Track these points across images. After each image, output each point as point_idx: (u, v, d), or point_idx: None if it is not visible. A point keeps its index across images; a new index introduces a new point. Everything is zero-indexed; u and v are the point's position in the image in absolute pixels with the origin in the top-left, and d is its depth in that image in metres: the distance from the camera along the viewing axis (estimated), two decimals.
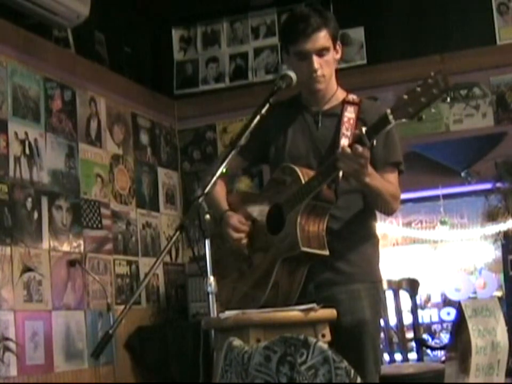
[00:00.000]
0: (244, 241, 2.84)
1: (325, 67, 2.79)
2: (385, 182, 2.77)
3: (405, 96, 2.52)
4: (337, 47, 2.85)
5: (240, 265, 2.87)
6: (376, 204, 2.80)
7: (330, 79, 2.85)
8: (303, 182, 2.71)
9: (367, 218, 2.88)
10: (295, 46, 2.80)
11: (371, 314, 2.77)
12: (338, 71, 2.92)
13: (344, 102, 2.86)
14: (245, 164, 2.99)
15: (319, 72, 2.78)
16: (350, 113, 2.83)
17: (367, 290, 2.79)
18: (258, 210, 2.87)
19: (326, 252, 2.72)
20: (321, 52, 2.77)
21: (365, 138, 2.55)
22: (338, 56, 2.86)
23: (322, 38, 2.76)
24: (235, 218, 2.85)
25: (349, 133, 2.77)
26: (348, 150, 2.54)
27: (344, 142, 2.74)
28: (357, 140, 2.57)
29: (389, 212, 2.84)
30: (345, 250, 2.79)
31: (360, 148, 2.53)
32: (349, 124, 2.80)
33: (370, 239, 2.90)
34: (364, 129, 2.57)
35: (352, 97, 2.89)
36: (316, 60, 2.77)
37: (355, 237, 2.83)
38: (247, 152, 2.85)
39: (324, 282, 2.78)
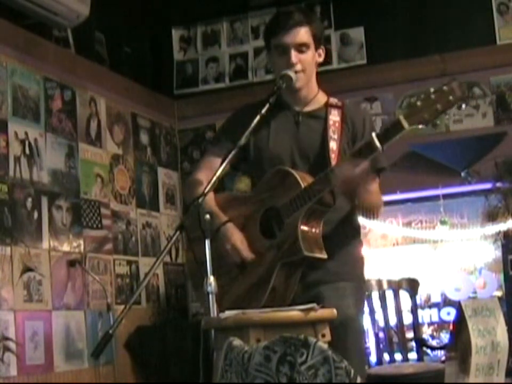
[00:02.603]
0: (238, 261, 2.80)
1: (304, 63, 2.78)
2: (374, 195, 2.78)
3: (418, 103, 2.51)
4: (320, 50, 2.85)
5: (230, 269, 2.83)
6: (362, 214, 2.84)
7: (309, 78, 2.84)
8: (302, 186, 2.69)
9: (354, 219, 2.90)
10: (275, 40, 2.80)
11: (356, 312, 2.78)
12: (319, 74, 2.92)
13: (328, 105, 2.86)
14: (227, 168, 2.84)
15: (297, 67, 2.77)
16: (334, 117, 2.83)
17: (352, 289, 2.80)
18: (250, 214, 2.84)
19: (325, 255, 2.73)
20: (300, 48, 2.77)
21: (377, 145, 2.54)
22: (320, 59, 2.86)
23: (303, 33, 2.76)
24: (240, 240, 2.79)
25: (336, 136, 2.78)
26: (344, 172, 2.56)
27: (332, 145, 2.75)
28: (368, 145, 2.56)
29: (371, 219, 2.88)
30: (334, 250, 2.79)
31: (356, 171, 2.55)
32: (335, 127, 2.80)
33: (357, 239, 2.92)
34: (374, 134, 2.56)
35: (335, 100, 2.89)
36: (294, 54, 2.76)
37: (343, 237, 2.84)
38: (225, 154, 2.73)
39: (312, 282, 2.78)
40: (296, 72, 2.77)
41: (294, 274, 2.75)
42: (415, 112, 2.51)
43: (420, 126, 2.52)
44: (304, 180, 2.71)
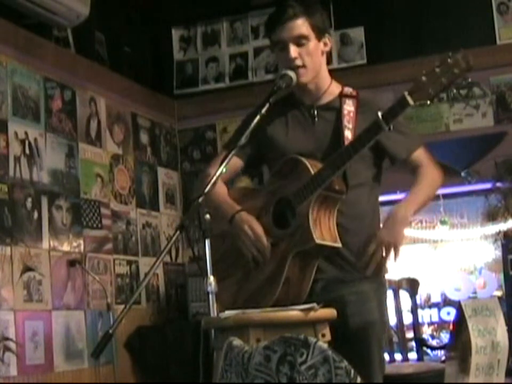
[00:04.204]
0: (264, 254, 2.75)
1: (305, 56, 2.73)
2: (422, 188, 2.81)
3: (423, 78, 2.48)
4: (326, 40, 2.79)
5: (244, 264, 2.79)
6: None
7: (316, 71, 2.79)
8: (312, 172, 2.65)
9: (373, 214, 2.85)
10: (274, 36, 2.76)
11: (379, 315, 2.76)
12: (332, 70, 2.90)
13: (342, 96, 2.82)
14: (241, 165, 2.90)
15: (297, 62, 2.72)
16: (349, 106, 2.78)
17: (375, 291, 2.77)
18: (262, 206, 2.81)
19: (339, 244, 2.67)
20: (298, 41, 2.72)
21: (382, 123, 2.51)
22: (326, 48, 2.81)
23: (300, 26, 2.71)
24: (257, 225, 2.75)
25: (350, 126, 2.73)
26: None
27: (347, 134, 2.71)
28: (374, 124, 2.53)
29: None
30: (352, 245, 2.74)
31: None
32: (349, 117, 2.76)
33: (375, 233, 2.81)
34: (380, 113, 2.53)
35: (349, 90, 2.85)
36: (292, 49, 2.71)
37: (361, 231, 2.78)
38: (242, 153, 2.79)
39: (331, 280, 2.74)
40: (297, 67, 2.73)
41: (308, 265, 2.69)
42: (419, 87, 2.49)
43: (428, 102, 2.51)
44: (314, 166, 2.67)
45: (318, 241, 2.62)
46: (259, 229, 2.74)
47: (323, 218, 2.67)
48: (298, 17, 2.72)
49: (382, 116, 2.53)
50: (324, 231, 2.66)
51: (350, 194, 2.74)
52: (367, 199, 2.81)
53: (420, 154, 2.87)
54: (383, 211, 2.94)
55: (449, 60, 2.46)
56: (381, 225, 2.86)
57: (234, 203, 2.84)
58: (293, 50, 2.72)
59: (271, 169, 2.89)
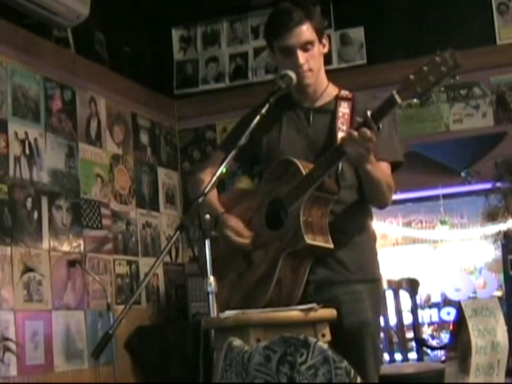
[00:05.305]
0: (247, 242, 2.79)
1: (311, 61, 2.75)
2: (384, 172, 2.72)
3: (411, 76, 2.50)
4: (324, 40, 2.81)
5: (238, 265, 2.81)
6: (373, 193, 2.74)
7: (318, 74, 2.81)
8: (304, 173, 2.66)
9: (362, 214, 2.84)
10: (278, 42, 2.76)
11: (372, 315, 2.76)
12: (332, 70, 2.90)
13: (337, 98, 2.83)
14: (234, 164, 2.89)
15: (305, 67, 2.74)
16: (344, 109, 2.79)
17: (368, 291, 2.77)
18: (256, 207, 2.83)
19: (331, 245, 2.67)
20: (305, 46, 2.73)
21: (371, 122, 2.51)
22: (325, 50, 2.83)
23: (306, 31, 2.72)
24: (234, 221, 2.82)
25: (344, 127, 2.73)
26: (355, 133, 2.50)
27: (340, 136, 2.70)
28: (363, 123, 2.53)
29: (383, 203, 2.77)
30: (343, 245, 2.74)
31: (368, 132, 2.49)
32: (343, 119, 2.76)
33: (368, 234, 2.86)
34: (369, 112, 2.53)
35: (345, 93, 2.86)
36: (300, 55, 2.73)
37: (352, 231, 2.78)
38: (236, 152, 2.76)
39: (324, 281, 2.74)
40: (304, 71, 2.75)
41: (301, 266, 2.69)
42: (407, 86, 2.50)
43: (415, 100, 2.52)
44: (306, 167, 2.68)
45: (308, 241, 2.62)
46: (238, 224, 2.79)
47: (315, 219, 2.67)
48: (304, 23, 2.73)
49: (371, 114, 2.53)
50: (316, 231, 2.66)
51: (342, 194, 2.74)
52: (354, 200, 2.80)
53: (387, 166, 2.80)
54: (376, 213, 2.95)
55: (436, 58, 2.48)
56: (374, 226, 2.87)
57: (219, 205, 2.87)
58: (301, 57, 2.73)
59: (265, 170, 2.89)
